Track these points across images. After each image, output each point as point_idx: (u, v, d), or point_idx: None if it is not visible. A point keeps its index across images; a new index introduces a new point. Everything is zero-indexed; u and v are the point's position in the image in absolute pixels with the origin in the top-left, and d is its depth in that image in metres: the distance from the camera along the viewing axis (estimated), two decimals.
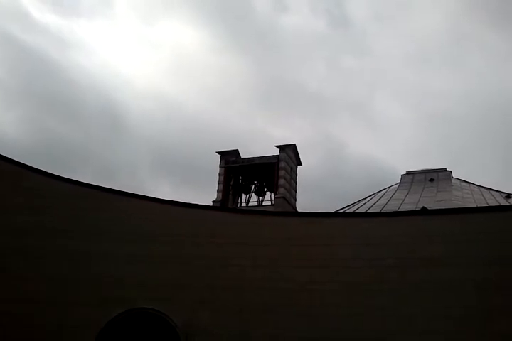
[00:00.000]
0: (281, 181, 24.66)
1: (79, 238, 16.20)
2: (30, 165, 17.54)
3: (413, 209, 22.39)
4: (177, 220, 16.42)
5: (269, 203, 25.77)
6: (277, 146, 25.37)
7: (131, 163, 62.92)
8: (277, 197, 24.43)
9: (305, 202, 28.57)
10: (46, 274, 15.79)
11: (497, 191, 28.49)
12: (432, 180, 31.27)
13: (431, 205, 23.58)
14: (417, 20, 74.67)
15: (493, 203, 24.53)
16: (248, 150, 37.64)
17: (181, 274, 15.41)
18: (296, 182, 26.27)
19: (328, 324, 14.00)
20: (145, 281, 15.40)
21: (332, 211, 25.36)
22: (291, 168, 25.82)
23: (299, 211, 24.33)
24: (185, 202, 16.87)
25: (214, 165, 26.17)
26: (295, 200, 25.73)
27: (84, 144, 59.98)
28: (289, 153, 25.53)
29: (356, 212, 26.42)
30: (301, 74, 74.52)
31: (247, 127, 69.60)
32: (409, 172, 32.89)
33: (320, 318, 14.15)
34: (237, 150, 26.45)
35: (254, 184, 27.11)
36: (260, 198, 26.90)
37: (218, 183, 25.70)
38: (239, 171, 26.52)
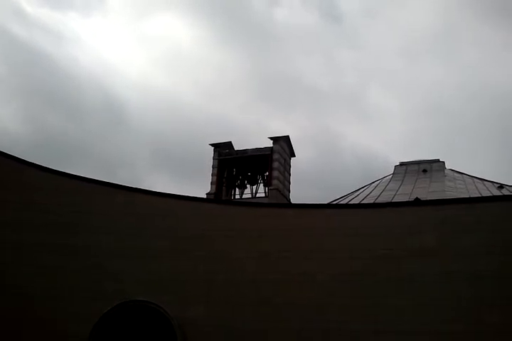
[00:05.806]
0: (275, 173, 24.69)
1: (75, 231, 16.22)
2: (25, 159, 17.47)
3: (406, 200, 22.44)
4: (172, 213, 16.44)
5: (263, 195, 25.81)
6: (271, 138, 25.38)
7: (129, 157, 62.81)
8: (271, 189, 24.47)
9: (300, 193, 28.58)
10: (42, 267, 15.76)
11: (490, 181, 28.58)
12: (425, 170, 31.32)
13: (424, 196, 23.65)
14: (411, 13, 74.47)
15: (486, 193, 24.59)
16: (244, 143, 37.68)
17: (176, 267, 15.45)
18: (289, 174, 26.30)
19: (321, 315, 14.10)
20: (140, 274, 15.47)
21: (326, 202, 25.39)
22: (285, 160, 25.84)
23: (292, 203, 24.39)
24: (180, 194, 16.93)
25: (209, 157, 26.21)
26: (289, 192, 25.78)
27: (81, 138, 59.72)
28: (283, 145, 25.53)
29: (350, 203, 26.49)
30: (296, 67, 74.15)
31: (242, 120, 69.52)
32: (402, 164, 32.89)
33: (314, 310, 14.23)
34: (230, 142, 26.46)
35: (248, 176, 27.14)
36: (254, 190, 26.97)
37: (212, 175, 25.70)
38: (232, 163, 26.52)
